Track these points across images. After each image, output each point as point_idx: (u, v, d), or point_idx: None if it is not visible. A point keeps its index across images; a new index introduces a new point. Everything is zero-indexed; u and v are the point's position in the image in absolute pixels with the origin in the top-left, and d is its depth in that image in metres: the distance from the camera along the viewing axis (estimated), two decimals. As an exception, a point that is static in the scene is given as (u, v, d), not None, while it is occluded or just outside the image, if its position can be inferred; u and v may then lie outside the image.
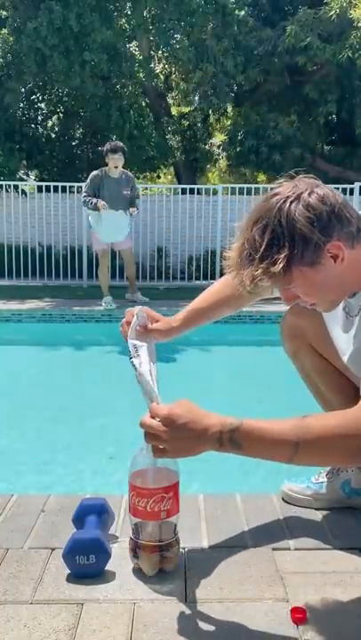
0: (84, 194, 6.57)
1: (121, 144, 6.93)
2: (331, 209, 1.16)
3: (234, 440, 1.11)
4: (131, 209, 6.60)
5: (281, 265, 1.12)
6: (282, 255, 1.12)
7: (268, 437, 1.12)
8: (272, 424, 1.13)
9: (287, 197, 1.16)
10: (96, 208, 6.39)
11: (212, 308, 1.64)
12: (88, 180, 6.62)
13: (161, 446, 1.15)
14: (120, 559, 1.40)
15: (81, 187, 9.46)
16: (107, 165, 6.58)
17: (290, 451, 1.11)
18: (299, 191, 1.17)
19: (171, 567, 1.36)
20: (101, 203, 6.34)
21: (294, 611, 1.21)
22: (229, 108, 13.09)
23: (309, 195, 1.16)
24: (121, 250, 7.02)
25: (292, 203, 1.15)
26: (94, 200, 6.38)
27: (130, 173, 6.92)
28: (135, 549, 1.35)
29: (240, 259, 1.19)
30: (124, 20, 11.29)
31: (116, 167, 6.45)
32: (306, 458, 1.14)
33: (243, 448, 1.12)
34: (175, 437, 1.14)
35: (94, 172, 6.64)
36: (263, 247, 1.14)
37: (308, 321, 1.63)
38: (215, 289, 1.65)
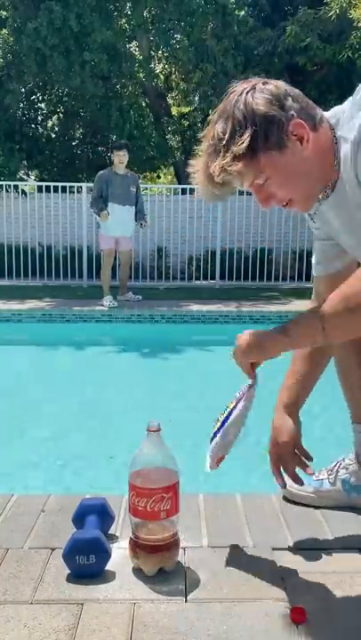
0: (93, 195, 6.79)
1: (126, 141, 7.22)
2: (286, 92, 1.19)
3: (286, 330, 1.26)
4: (142, 222, 6.93)
5: (245, 143, 1.13)
6: (245, 135, 1.13)
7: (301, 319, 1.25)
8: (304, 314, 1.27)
9: (243, 90, 1.18)
10: (99, 212, 6.62)
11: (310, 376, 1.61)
12: (95, 181, 6.80)
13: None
14: (120, 559, 1.40)
15: (81, 187, 9.52)
16: (112, 164, 6.80)
17: (319, 325, 1.19)
18: (252, 83, 1.20)
19: (171, 567, 1.36)
20: (104, 213, 6.60)
21: (294, 611, 1.21)
22: (229, 108, 13.08)
23: (264, 84, 1.19)
24: (122, 251, 7.10)
25: (248, 92, 1.17)
26: (101, 206, 6.62)
27: (134, 174, 7.13)
28: (135, 549, 1.35)
29: (207, 157, 1.20)
30: (124, 20, 11.30)
31: (122, 163, 6.65)
32: (334, 330, 1.21)
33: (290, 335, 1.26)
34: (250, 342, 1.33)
35: (100, 172, 6.85)
36: (227, 135, 1.15)
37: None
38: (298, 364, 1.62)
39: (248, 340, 1.34)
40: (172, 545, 1.35)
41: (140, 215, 6.91)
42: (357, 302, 1.15)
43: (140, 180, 7.37)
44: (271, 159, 1.16)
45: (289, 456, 1.48)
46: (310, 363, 1.58)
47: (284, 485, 1.52)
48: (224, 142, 1.16)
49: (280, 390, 1.59)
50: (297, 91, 1.23)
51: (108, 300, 6.64)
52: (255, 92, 1.17)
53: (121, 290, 7.22)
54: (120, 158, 6.63)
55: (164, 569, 1.35)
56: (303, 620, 1.19)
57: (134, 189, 6.76)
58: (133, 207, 6.79)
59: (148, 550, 1.33)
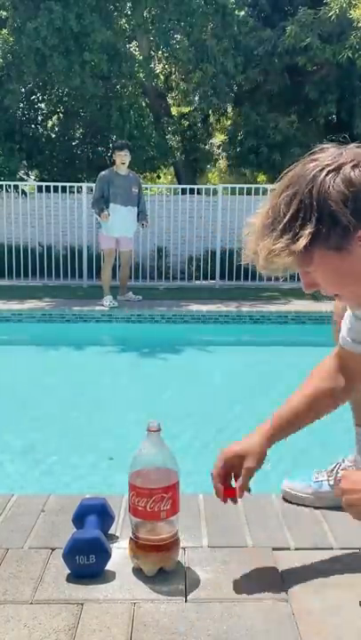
0: (94, 196, 6.81)
1: (127, 142, 7.25)
2: None
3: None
4: (143, 222, 6.92)
5: (303, 242, 0.99)
6: (306, 231, 0.99)
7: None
8: None
9: (326, 166, 1.02)
10: (100, 212, 6.63)
11: (304, 416, 1.42)
12: (97, 181, 6.81)
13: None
14: (120, 559, 1.40)
15: (81, 187, 9.52)
16: (113, 164, 6.82)
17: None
18: (341, 161, 1.02)
19: (171, 567, 1.36)
20: (104, 214, 6.59)
21: (226, 490, 1.29)
22: (229, 108, 13.09)
23: (353, 168, 1.01)
24: (123, 251, 7.11)
25: (329, 173, 1.01)
26: (102, 206, 6.61)
27: (136, 174, 7.17)
28: (135, 549, 1.35)
29: (262, 226, 1.07)
30: (124, 20, 11.30)
31: (123, 163, 6.65)
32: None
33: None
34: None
35: (102, 172, 6.84)
36: (287, 218, 1.02)
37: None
38: (306, 393, 1.43)
39: None
40: (171, 545, 1.35)
41: (141, 215, 6.91)
42: None
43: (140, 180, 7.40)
44: (325, 258, 1.04)
45: (245, 480, 1.35)
46: (315, 411, 1.42)
47: (225, 501, 1.38)
48: (281, 225, 1.02)
49: (275, 414, 1.42)
50: None
51: (108, 300, 6.64)
52: (337, 178, 1.00)
53: (121, 290, 7.23)
54: (122, 159, 6.62)
55: (164, 569, 1.35)
56: (234, 495, 1.29)
57: (136, 190, 6.77)
58: (135, 208, 6.79)
59: (147, 550, 1.34)
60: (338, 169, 1.01)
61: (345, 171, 1.01)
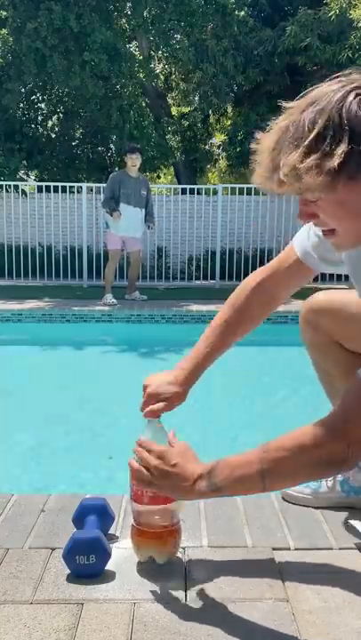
0: (105, 195, 7.01)
1: (138, 145, 7.63)
2: None
3: (211, 480, 1.12)
4: (150, 224, 7.16)
5: (338, 161, 0.90)
6: (339, 150, 0.91)
7: (236, 470, 1.10)
8: (238, 458, 1.11)
9: (356, 88, 0.95)
10: (112, 211, 6.80)
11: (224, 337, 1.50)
12: (108, 181, 7.06)
13: (146, 479, 1.18)
14: (120, 559, 1.40)
15: (81, 187, 9.52)
16: (125, 166, 7.08)
17: (259, 478, 1.08)
18: None
19: (162, 559, 1.36)
20: (117, 213, 6.79)
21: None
22: (229, 108, 13.10)
23: None
24: (132, 252, 7.29)
25: (357, 97, 0.94)
26: (113, 206, 6.81)
27: (145, 177, 7.48)
28: (135, 536, 1.36)
29: (277, 142, 0.97)
30: (124, 20, 11.31)
31: (134, 166, 6.89)
32: (277, 481, 1.11)
33: (219, 487, 1.12)
34: (162, 473, 1.16)
35: (113, 173, 7.20)
36: (314, 135, 0.93)
37: (331, 319, 1.52)
38: (219, 319, 1.51)
39: (176, 462, 1.16)
40: (171, 533, 1.35)
41: (148, 217, 7.11)
42: (316, 456, 1.04)
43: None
44: (349, 188, 0.94)
45: (160, 407, 1.43)
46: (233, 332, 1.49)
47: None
48: (307, 142, 0.93)
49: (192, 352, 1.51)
50: None
51: (108, 298, 6.79)
52: None
53: (129, 289, 7.39)
54: (133, 161, 6.87)
55: (166, 557, 1.36)
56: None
57: (145, 192, 6.99)
58: (143, 210, 6.99)
59: (146, 536, 1.35)
60: None
61: None
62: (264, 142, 1.00)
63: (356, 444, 1.03)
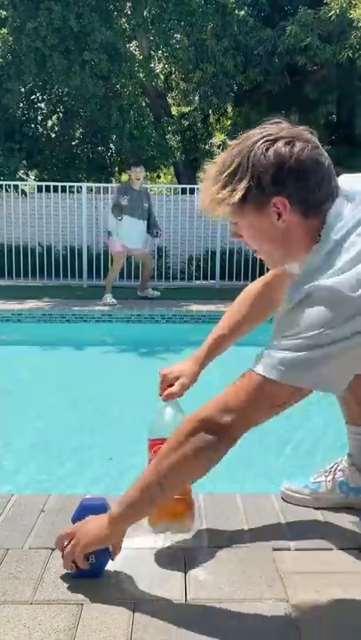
0: (114, 202, 7.25)
1: (142, 160, 8.13)
2: (297, 167, 1.15)
3: (119, 514, 1.30)
4: (157, 230, 7.44)
5: (238, 196, 1.16)
6: (241, 186, 1.16)
7: (135, 489, 1.29)
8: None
9: (268, 135, 1.18)
10: (120, 216, 7.03)
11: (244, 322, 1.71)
12: (115, 191, 7.41)
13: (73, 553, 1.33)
14: (120, 559, 1.40)
15: (81, 187, 9.53)
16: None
17: (156, 486, 1.26)
18: (281, 135, 1.18)
19: (183, 528, 1.40)
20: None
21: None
22: (229, 108, 13.09)
23: (287, 143, 1.17)
24: (137, 255, 7.66)
25: (267, 142, 1.17)
26: (119, 215, 7.05)
27: (148, 190, 7.69)
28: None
29: (212, 175, 1.22)
30: (124, 20, 11.29)
31: (138, 179, 7.14)
32: (170, 486, 1.28)
33: (125, 515, 1.30)
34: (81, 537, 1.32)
35: (119, 184, 7.69)
36: (228, 172, 1.18)
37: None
38: (238, 305, 1.70)
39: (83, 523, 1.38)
40: (178, 507, 1.41)
41: (153, 228, 7.36)
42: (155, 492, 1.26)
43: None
44: (250, 214, 1.20)
45: (178, 387, 1.61)
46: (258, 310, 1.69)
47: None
48: (225, 174, 1.19)
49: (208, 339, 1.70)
50: (325, 169, 1.18)
51: (108, 298, 6.87)
52: (271, 148, 1.17)
53: (141, 286, 7.67)
54: (137, 174, 7.10)
55: (171, 532, 1.43)
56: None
57: (147, 205, 7.21)
58: (145, 221, 7.21)
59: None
60: (274, 141, 1.17)
61: (278, 144, 1.16)
62: (206, 173, 1.24)
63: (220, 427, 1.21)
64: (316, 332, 1.12)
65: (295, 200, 1.16)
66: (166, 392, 1.56)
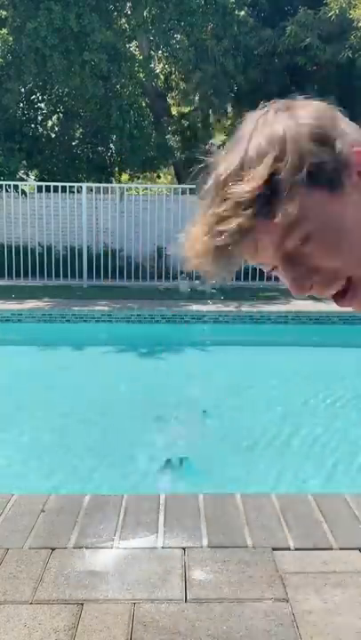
0: None
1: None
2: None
3: None
4: None
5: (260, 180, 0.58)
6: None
7: None
8: None
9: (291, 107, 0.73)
10: None
11: None
12: None
13: None
14: (120, 559, 1.40)
15: (81, 187, 9.53)
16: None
17: None
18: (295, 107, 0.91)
19: None
20: None
21: None
22: (229, 108, 13.09)
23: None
24: None
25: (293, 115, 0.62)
26: None
27: None
28: None
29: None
30: (123, 20, 11.30)
31: None
32: None
33: None
34: None
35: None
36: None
37: None
38: None
39: None
40: None
41: None
42: None
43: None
44: (317, 205, 0.61)
45: None
46: None
47: None
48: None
49: None
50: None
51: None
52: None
53: None
54: None
55: None
56: None
57: None
58: None
59: None
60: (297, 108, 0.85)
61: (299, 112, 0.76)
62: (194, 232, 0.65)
63: None
64: None
65: None
66: None
